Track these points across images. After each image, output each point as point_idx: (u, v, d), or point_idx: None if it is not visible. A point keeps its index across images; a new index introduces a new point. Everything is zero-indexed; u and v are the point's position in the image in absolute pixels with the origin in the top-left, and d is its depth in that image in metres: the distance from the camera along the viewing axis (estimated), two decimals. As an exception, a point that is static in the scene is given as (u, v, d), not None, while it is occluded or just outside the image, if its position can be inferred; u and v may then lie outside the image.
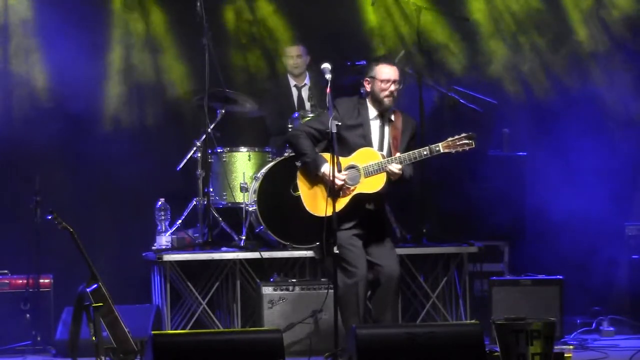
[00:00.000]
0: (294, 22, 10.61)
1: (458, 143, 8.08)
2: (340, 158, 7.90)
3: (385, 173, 8.00)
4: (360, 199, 8.02)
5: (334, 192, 7.76)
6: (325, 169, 7.93)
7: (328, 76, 7.86)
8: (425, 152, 8.05)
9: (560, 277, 9.30)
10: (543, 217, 10.27)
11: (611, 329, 9.59)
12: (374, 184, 8.02)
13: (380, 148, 8.12)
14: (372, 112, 8.15)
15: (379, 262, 8.01)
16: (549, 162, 10.48)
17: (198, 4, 9.36)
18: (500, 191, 9.97)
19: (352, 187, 8.00)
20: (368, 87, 8.15)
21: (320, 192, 8.00)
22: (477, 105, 10.04)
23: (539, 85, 10.76)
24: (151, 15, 10.43)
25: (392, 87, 8.09)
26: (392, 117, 8.17)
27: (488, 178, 10.00)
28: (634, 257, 9.86)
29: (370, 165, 8.01)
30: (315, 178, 8.03)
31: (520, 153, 10.39)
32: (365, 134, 8.09)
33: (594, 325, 9.71)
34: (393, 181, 8.04)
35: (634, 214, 10.29)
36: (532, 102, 10.74)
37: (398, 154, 8.02)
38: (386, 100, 8.09)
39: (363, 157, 8.03)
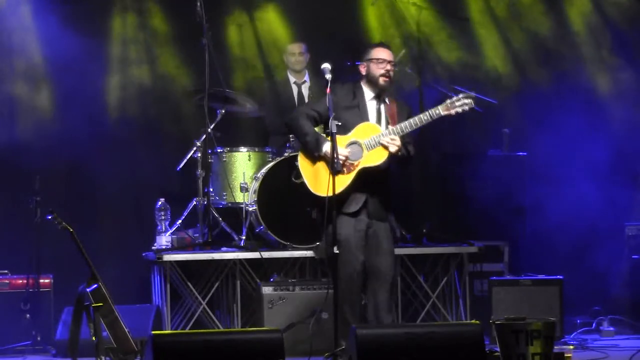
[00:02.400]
0: (294, 22, 10.62)
1: (457, 104, 8.08)
2: (341, 136, 7.90)
3: None
4: (365, 176, 8.00)
5: (334, 186, 7.73)
6: (327, 147, 7.90)
7: (328, 76, 7.87)
8: (425, 118, 8.03)
9: (560, 277, 9.30)
10: (543, 217, 10.27)
11: (611, 329, 9.59)
12: (377, 157, 8.01)
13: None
14: (369, 94, 8.17)
15: (374, 260, 8.00)
16: (549, 161, 10.48)
17: (198, 4, 9.36)
18: (500, 191, 9.96)
19: (355, 163, 7.99)
20: (364, 71, 8.18)
21: (323, 171, 7.97)
22: (477, 105, 10.03)
23: (538, 84, 10.76)
24: (151, 16, 10.44)
25: (388, 67, 8.11)
26: (387, 100, 8.18)
27: (488, 178, 10.00)
28: (634, 257, 9.86)
29: (371, 138, 8.00)
30: (317, 158, 8.02)
31: (520, 153, 10.39)
32: (362, 115, 8.10)
33: (594, 325, 9.71)
34: (396, 157, 8.01)
35: (634, 214, 10.29)
36: (532, 101, 10.73)
37: (397, 125, 8.02)
38: (382, 80, 8.11)
39: (363, 132, 8.03)
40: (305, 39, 10.24)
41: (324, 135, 8.01)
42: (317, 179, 7.98)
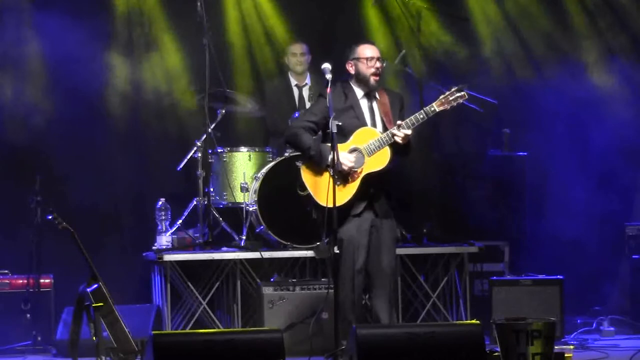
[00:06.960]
0: (294, 22, 10.62)
1: (451, 98, 8.06)
2: (341, 144, 7.88)
3: (387, 147, 7.97)
4: (369, 180, 8.01)
5: (334, 186, 7.72)
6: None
7: (328, 76, 7.86)
8: (421, 116, 8.02)
9: (560, 277, 9.30)
10: (543, 217, 10.27)
11: (611, 329, 9.58)
12: (379, 161, 8.00)
13: (373, 126, 8.11)
14: (359, 92, 8.16)
15: (376, 259, 8.00)
16: (549, 161, 10.48)
17: (199, 4, 9.37)
18: (500, 191, 9.96)
19: (358, 170, 7.98)
20: (352, 70, 8.15)
21: (326, 181, 7.95)
22: (477, 105, 10.04)
23: (539, 84, 10.76)
24: (152, 15, 10.44)
25: (378, 64, 8.10)
26: (377, 95, 8.18)
27: (488, 178, 10.00)
28: (634, 257, 9.85)
29: (371, 143, 7.98)
30: (320, 171, 8.01)
31: (520, 153, 10.39)
32: (357, 115, 8.09)
33: (594, 325, 9.70)
34: (399, 151, 8.00)
35: (634, 214, 10.29)
36: (532, 100, 10.74)
37: (405, 121, 8.01)
38: (372, 79, 8.10)
39: (362, 138, 8.02)
40: (306, 40, 10.24)
41: (326, 145, 7.97)
42: (322, 190, 7.93)
